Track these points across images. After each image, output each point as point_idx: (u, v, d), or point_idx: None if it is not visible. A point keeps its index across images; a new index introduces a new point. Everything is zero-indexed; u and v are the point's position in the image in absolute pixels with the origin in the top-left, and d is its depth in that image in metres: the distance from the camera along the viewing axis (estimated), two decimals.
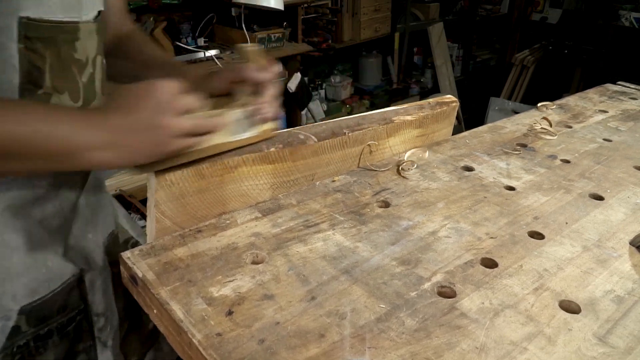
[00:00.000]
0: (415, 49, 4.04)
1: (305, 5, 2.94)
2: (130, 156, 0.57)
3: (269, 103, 0.68)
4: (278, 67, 0.69)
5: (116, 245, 0.80)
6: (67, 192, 0.70)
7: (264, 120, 0.69)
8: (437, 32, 3.81)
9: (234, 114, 0.66)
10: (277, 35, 2.55)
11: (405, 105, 0.93)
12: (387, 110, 0.91)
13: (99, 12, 0.68)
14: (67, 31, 0.61)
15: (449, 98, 0.98)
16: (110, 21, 0.77)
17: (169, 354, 0.87)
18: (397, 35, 3.67)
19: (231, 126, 0.65)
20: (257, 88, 0.67)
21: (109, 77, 0.75)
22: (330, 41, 3.22)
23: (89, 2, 0.65)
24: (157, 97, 0.56)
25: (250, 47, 0.69)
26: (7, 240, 0.63)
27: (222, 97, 0.68)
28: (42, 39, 0.59)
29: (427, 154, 0.93)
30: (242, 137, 0.68)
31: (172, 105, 0.57)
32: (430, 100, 0.97)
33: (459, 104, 1.00)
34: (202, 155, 0.64)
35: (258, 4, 2.10)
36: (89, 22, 0.65)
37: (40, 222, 0.66)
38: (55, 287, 0.68)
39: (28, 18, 0.56)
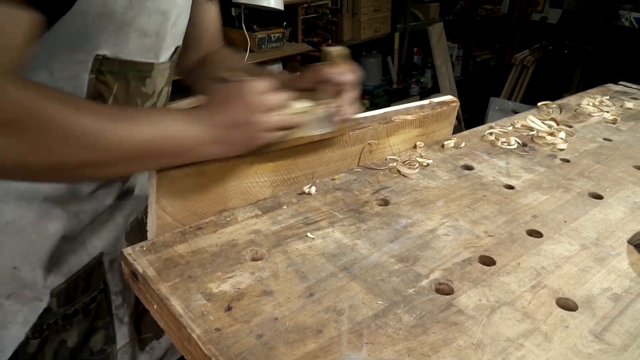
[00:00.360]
0: (415, 49, 4.04)
1: (305, 5, 2.94)
2: (232, 149, 0.63)
3: (349, 104, 0.72)
4: (358, 71, 0.72)
5: (137, 230, 0.85)
6: (104, 197, 0.75)
7: (343, 121, 0.73)
8: (437, 32, 3.81)
9: (316, 112, 0.71)
10: (277, 35, 2.55)
11: (405, 105, 0.94)
12: (388, 110, 0.92)
13: (176, 48, 0.72)
14: (140, 70, 0.66)
15: (449, 98, 0.99)
16: (203, 44, 0.84)
17: None
18: (397, 35, 3.67)
19: (314, 122, 0.72)
20: (338, 89, 0.71)
21: (197, 88, 0.83)
22: (330, 41, 3.23)
23: (169, 44, 0.69)
24: (250, 95, 0.61)
25: (335, 50, 0.73)
26: (46, 227, 0.69)
27: (307, 93, 0.72)
28: (114, 72, 0.63)
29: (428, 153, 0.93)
30: (323, 132, 0.74)
31: (263, 103, 0.62)
32: (431, 100, 0.97)
33: (459, 104, 1.00)
34: (286, 146, 0.71)
35: (258, 4, 2.11)
36: (165, 62, 0.70)
37: (76, 215, 0.71)
38: (79, 270, 0.74)
39: (104, 56, 0.61)
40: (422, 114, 0.93)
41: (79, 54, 0.60)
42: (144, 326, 0.86)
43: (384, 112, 0.90)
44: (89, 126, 0.52)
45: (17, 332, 0.69)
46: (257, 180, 0.74)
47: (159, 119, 0.58)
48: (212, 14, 0.87)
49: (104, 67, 0.62)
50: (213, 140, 0.61)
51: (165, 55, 0.70)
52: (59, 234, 0.70)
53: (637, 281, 0.62)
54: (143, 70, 0.67)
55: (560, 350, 0.51)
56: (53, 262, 0.71)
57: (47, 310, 0.71)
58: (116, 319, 0.81)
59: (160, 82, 0.72)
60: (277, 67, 2.69)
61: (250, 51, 2.42)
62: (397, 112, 0.90)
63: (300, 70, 0.76)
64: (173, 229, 0.67)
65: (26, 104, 0.48)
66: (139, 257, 0.62)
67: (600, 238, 0.71)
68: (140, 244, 0.64)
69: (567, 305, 0.58)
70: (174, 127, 0.59)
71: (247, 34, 2.39)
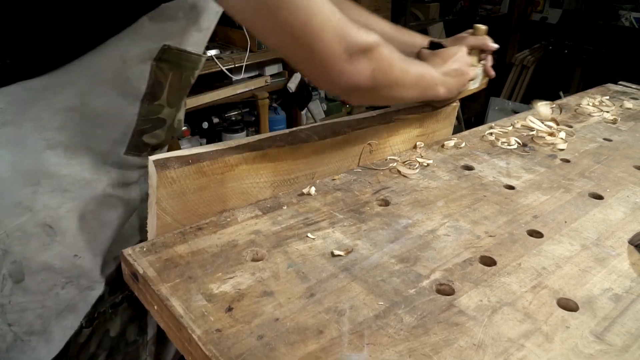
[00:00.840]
0: None
1: None
2: (450, 92, 0.87)
3: (490, 64, 1.00)
4: (492, 41, 0.98)
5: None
6: (145, 184, 0.77)
7: (487, 76, 1.02)
8: (437, 32, 3.81)
9: (478, 70, 0.98)
10: None
11: (405, 105, 0.94)
12: (388, 110, 0.91)
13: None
14: (193, 61, 0.72)
15: None
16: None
17: None
18: None
19: (477, 76, 0.98)
20: (484, 54, 0.98)
21: None
22: None
23: (206, 38, 0.76)
24: (461, 55, 0.88)
25: (482, 26, 0.97)
26: (103, 215, 0.70)
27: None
28: (171, 61, 0.68)
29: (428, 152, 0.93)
30: (476, 87, 1.00)
31: (468, 61, 0.90)
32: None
33: (459, 104, 1.00)
34: (465, 94, 0.98)
35: None
36: (206, 56, 0.77)
37: (127, 203, 0.74)
38: None
39: (169, 46, 0.67)
40: (422, 114, 0.92)
41: (153, 43, 0.65)
42: None
43: (384, 112, 0.90)
44: (401, 63, 0.74)
45: (71, 322, 0.70)
46: (257, 180, 0.74)
47: (421, 64, 0.82)
48: None
49: (165, 55, 0.67)
50: (442, 82, 0.83)
51: (206, 52, 0.76)
52: (116, 222, 0.72)
53: (637, 281, 0.62)
54: (195, 62, 0.72)
55: (561, 351, 0.51)
56: (109, 251, 0.72)
57: (100, 299, 0.72)
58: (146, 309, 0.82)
59: (198, 73, 0.77)
60: (277, 67, 2.69)
61: (251, 51, 2.42)
62: (397, 112, 0.90)
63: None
64: (173, 230, 0.67)
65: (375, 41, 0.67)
66: (139, 258, 0.61)
67: (600, 238, 0.71)
68: (140, 244, 0.64)
69: (568, 305, 0.58)
70: (428, 70, 0.82)
71: (247, 34, 2.39)
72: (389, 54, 0.70)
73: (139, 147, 0.72)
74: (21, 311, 0.66)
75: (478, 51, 0.96)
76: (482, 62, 0.99)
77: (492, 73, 1.01)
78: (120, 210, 0.72)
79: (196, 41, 0.71)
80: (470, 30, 0.99)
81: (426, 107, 0.94)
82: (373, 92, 0.71)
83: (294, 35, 0.60)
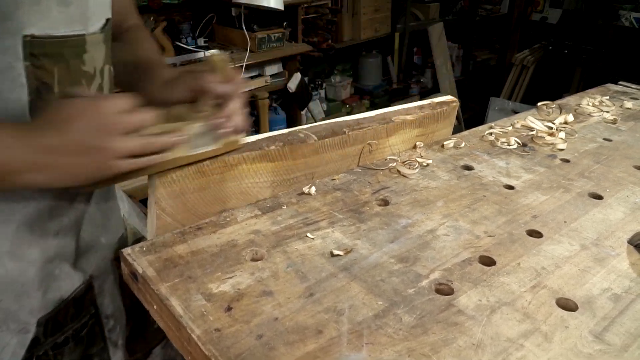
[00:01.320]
0: (415, 49, 4.04)
1: (305, 5, 2.94)
2: (66, 178, 0.54)
3: (232, 116, 0.65)
4: (242, 80, 0.66)
5: (125, 247, 0.81)
6: (81, 201, 0.70)
7: (226, 135, 0.66)
8: (437, 32, 3.81)
9: (193, 128, 0.63)
10: (277, 35, 2.55)
11: (405, 105, 0.94)
12: (388, 110, 0.91)
13: (107, 20, 0.67)
14: (74, 45, 0.60)
15: (449, 98, 0.99)
16: (113, 12, 0.72)
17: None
18: (397, 35, 3.67)
19: (191, 139, 0.63)
20: (221, 99, 0.65)
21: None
22: (330, 41, 3.22)
23: (96, 13, 0.64)
24: (96, 117, 0.53)
25: (217, 56, 0.67)
26: (24, 255, 0.63)
27: (184, 105, 0.66)
28: (48, 54, 0.58)
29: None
30: (204, 150, 0.65)
31: (116, 126, 0.54)
32: (432, 100, 0.97)
33: (459, 104, 1.00)
34: (159, 169, 0.61)
35: (258, 4, 2.11)
36: (96, 33, 0.64)
37: (56, 234, 0.66)
38: (68, 296, 0.70)
39: (32, 36, 0.56)
40: (421, 114, 0.92)
41: (5, 39, 0.54)
42: (135, 346, 0.83)
43: (384, 112, 0.90)
44: None
45: None
46: (257, 180, 0.74)
47: None
48: None
49: (36, 50, 0.56)
50: (36, 167, 0.52)
51: (94, 26, 0.63)
52: (40, 259, 0.65)
53: (637, 281, 0.62)
54: (76, 45, 0.60)
55: (561, 351, 0.51)
56: (37, 290, 0.66)
57: (35, 341, 0.66)
58: (110, 344, 0.77)
59: (99, 58, 0.65)
60: (277, 67, 2.69)
61: (251, 51, 2.42)
62: (396, 112, 0.90)
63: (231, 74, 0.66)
64: (173, 230, 0.67)
65: None
66: (138, 258, 0.61)
67: (600, 238, 0.71)
68: (140, 244, 0.64)
69: (567, 305, 0.58)
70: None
71: (247, 34, 2.39)
72: None
73: None
74: None
75: (208, 97, 0.65)
76: (206, 117, 0.64)
77: (229, 128, 0.65)
78: (44, 244, 0.65)
79: (68, 18, 0.59)
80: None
81: (427, 107, 0.94)
82: None
83: None
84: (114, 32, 0.75)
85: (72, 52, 0.61)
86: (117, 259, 0.76)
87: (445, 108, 0.96)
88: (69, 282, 0.70)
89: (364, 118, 0.86)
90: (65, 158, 0.53)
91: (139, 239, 0.85)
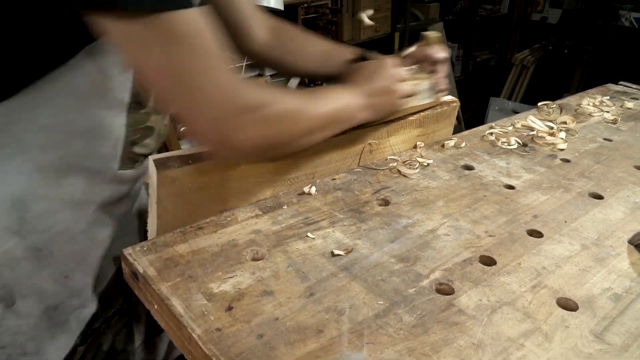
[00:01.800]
0: None
1: (305, 5, 2.94)
2: (378, 114, 0.79)
3: (444, 78, 0.87)
4: (449, 52, 0.90)
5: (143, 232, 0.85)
6: (133, 198, 0.76)
7: (440, 91, 0.88)
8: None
9: (424, 84, 0.86)
10: None
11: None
12: None
13: None
14: None
15: (449, 98, 0.99)
16: (249, 18, 0.89)
17: None
18: (397, 35, 3.67)
19: (421, 93, 0.87)
20: (434, 66, 0.86)
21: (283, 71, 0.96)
22: None
23: None
24: (387, 70, 0.77)
25: (432, 33, 0.88)
26: (96, 235, 0.69)
27: (414, 68, 0.87)
28: None
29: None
30: (425, 102, 0.89)
31: (397, 76, 0.78)
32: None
33: (459, 104, 1.00)
34: (405, 113, 0.87)
35: (258, 4, 2.10)
36: None
37: (119, 219, 0.72)
38: (115, 271, 0.74)
39: None
40: (422, 114, 0.92)
41: None
42: (152, 322, 0.86)
43: None
44: (298, 106, 0.66)
45: (65, 342, 0.69)
46: (258, 180, 0.74)
47: (335, 95, 0.72)
48: None
49: None
50: (365, 107, 0.74)
51: None
52: (108, 240, 0.70)
53: (637, 281, 0.62)
54: None
55: (561, 350, 0.51)
56: (100, 268, 0.71)
57: (94, 316, 0.71)
58: (134, 317, 0.81)
59: None
60: None
61: None
62: (397, 112, 0.90)
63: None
64: (173, 229, 0.67)
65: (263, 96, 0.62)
66: (139, 257, 0.61)
67: (600, 238, 0.71)
68: (141, 243, 0.64)
69: (568, 305, 0.58)
70: (345, 100, 0.73)
71: None
72: (285, 108, 0.64)
73: (132, 159, 0.70)
74: (14, 334, 0.65)
75: (428, 63, 0.86)
76: (428, 77, 0.87)
77: (443, 86, 0.88)
78: (112, 228, 0.71)
79: None
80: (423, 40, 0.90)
81: (427, 107, 0.94)
82: (274, 150, 0.68)
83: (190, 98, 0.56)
84: (234, 24, 0.87)
85: None
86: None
87: (445, 108, 0.96)
88: (115, 259, 0.74)
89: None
90: (379, 98, 0.77)
91: None
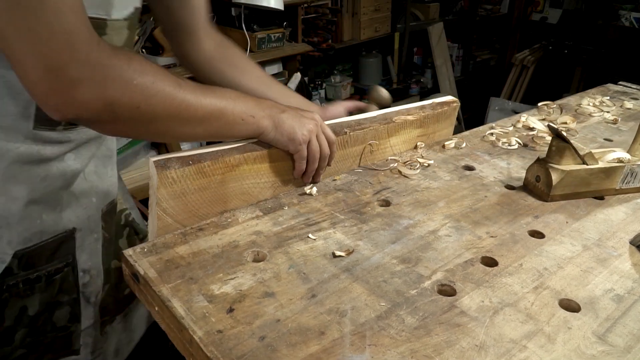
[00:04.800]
0: (415, 49, 4.04)
1: (305, 5, 2.93)
2: (278, 131, 0.73)
3: (314, 171, 0.81)
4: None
5: (112, 213, 0.86)
6: (77, 159, 0.76)
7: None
8: (437, 32, 3.81)
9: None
10: (277, 35, 2.54)
11: (406, 106, 0.94)
12: (388, 111, 0.91)
13: (135, 8, 0.70)
14: (93, 25, 0.62)
15: (449, 98, 0.99)
16: (200, 29, 0.87)
17: (140, 320, 0.95)
18: (397, 35, 3.67)
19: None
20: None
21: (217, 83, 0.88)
22: (330, 41, 3.22)
23: (122, 1, 0.68)
24: (314, 117, 0.76)
25: (380, 92, 0.94)
26: (10, 190, 0.69)
27: None
28: None
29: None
30: None
31: (317, 129, 0.75)
32: (433, 100, 0.97)
33: (459, 104, 1.00)
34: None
35: (258, 4, 2.10)
36: (119, 20, 0.68)
37: (43, 179, 0.72)
38: (47, 239, 0.74)
39: None
40: (422, 114, 0.92)
41: None
42: (105, 309, 0.86)
43: (385, 113, 0.90)
44: (173, 86, 0.62)
45: None
46: (258, 181, 0.74)
47: (229, 96, 0.69)
48: None
49: None
50: (264, 117, 0.71)
51: (119, 13, 0.67)
52: (25, 197, 0.70)
53: (639, 282, 0.62)
54: (96, 26, 0.63)
55: (564, 352, 0.51)
56: (17, 224, 0.71)
57: (8, 270, 0.71)
58: (82, 298, 0.81)
59: (118, 41, 0.70)
60: (277, 67, 2.69)
61: (251, 51, 2.42)
62: (397, 113, 0.90)
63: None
64: (174, 230, 0.67)
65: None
66: (139, 259, 0.61)
67: (602, 239, 0.70)
68: (141, 245, 0.64)
69: (570, 306, 0.58)
70: (236, 103, 0.69)
71: (247, 34, 2.39)
72: (153, 81, 0.60)
73: (49, 121, 0.67)
74: None
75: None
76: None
77: (305, 179, 0.80)
78: (31, 185, 0.70)
79: (94, 3, 0.63)
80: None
81: (427, 107, 0.94)
82: (117, 124, 0.62)
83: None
84: (186, 29, 0.87)
85: None
86: (105, 220, 0.83)
87: (446, 108, 0.96)
88: (51, 227, 0.74)
89: (365, 118, 0.86)
90: (282, 114, 0.73)
91: (123, 209, 0.90)
